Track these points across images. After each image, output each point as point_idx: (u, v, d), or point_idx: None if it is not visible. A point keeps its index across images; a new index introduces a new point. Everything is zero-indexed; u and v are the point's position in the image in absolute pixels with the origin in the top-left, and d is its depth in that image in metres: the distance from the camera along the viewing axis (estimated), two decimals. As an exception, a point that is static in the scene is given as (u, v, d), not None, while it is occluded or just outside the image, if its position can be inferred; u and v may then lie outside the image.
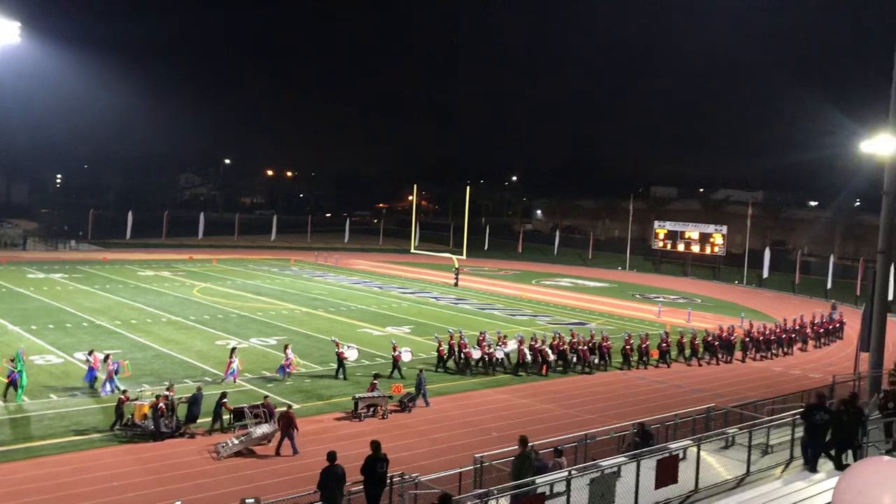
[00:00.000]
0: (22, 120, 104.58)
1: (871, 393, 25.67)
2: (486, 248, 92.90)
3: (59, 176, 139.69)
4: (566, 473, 13.66)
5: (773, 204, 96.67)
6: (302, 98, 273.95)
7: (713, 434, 18.69)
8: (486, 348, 32.89)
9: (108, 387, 26.45)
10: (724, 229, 76.80)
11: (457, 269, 63.10)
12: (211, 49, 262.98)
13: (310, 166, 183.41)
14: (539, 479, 13.86)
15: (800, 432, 17.82)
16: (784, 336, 40.64)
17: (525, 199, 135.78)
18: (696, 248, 78.34)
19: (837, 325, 46.15)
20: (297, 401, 26.11)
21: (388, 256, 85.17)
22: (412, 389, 27.05)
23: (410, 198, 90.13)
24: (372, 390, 25.90)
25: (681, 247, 79.59)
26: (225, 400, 23.37)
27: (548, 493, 13.67)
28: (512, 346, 33.73)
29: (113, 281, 55.09)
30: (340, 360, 30.30)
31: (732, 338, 38.37)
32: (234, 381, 28.33)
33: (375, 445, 14.59)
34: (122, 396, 22.93)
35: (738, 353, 38.47)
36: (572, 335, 35.27)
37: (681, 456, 15.77)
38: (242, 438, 21.51)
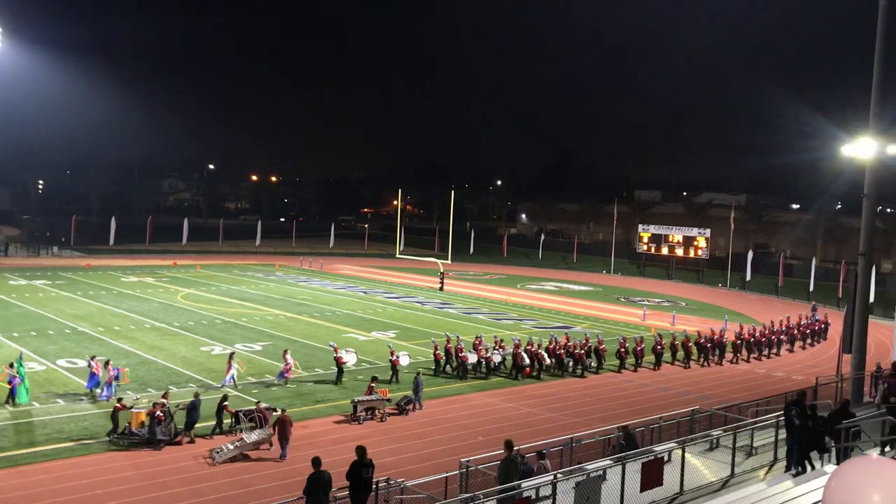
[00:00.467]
0: (3, 125, 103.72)
1: (854, 393, 25.88)
2: (471, 252, 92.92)
3: (41, 182, 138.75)
4: (552, 477, 13.68)
5: (756, 207, 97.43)
6: (286, 103, 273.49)
7: (698, 436, 18.80)
8: (483, 352, 32.99)
9: (105, 392, 26.45)
10: (708, 232, 77.19)
11: (442, 273, 63.10)
12: (195, 54, 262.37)
13: (294, 171, 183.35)
14: (525, 483, 13.88)
15: (783, 434, 17.97)
16: (773, 337, 41.11)
17: (509, 203, 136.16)
18: (679, 252, 78.68)
19: (822, 326, 46.58)
20: (291, 405, 26.04)
21: (373, 261, 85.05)
22: (409, 392, 27.22)
23: (395, 202, 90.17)
24: (370, 393, 26.05)
25: (665, 250, 79.92)
26: (226, 403, 23.51)
27: (534, 496, 13.70)
28: (508, 349, 33.85)
29: (96, 287, 54.72)
30: (339, 364, 30.31)
31: (724, 340, 38.76)
32: (236, 386, 28.23)
33: (361, 451, 14.56)
34: (118, 405, 22.76)
35: (728, 355, 38.80)
36: (566, 338, 35.45)
37: (666, 459, 15.83)
38: (237, 444, 21.51)
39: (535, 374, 32.93)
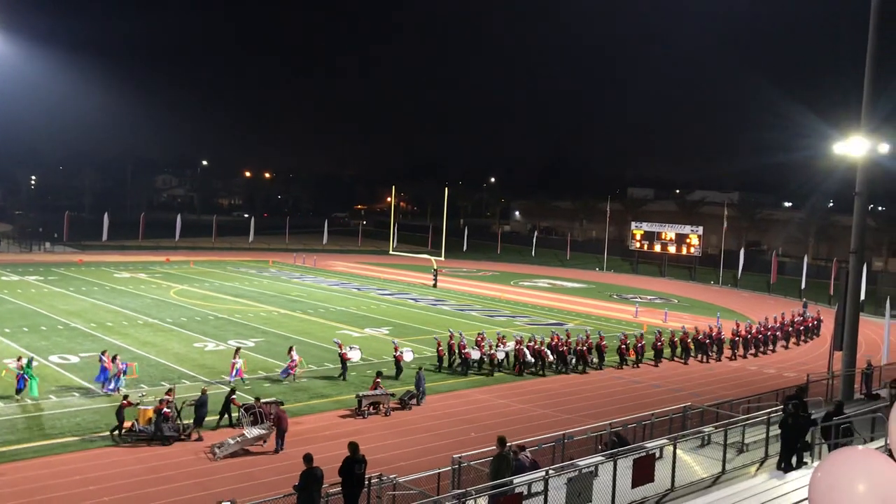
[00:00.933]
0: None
1: (845, 391, 26.03)
2: (464, 249, 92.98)
3: (33, 177, 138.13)
4: (543, 473, 13.75)
5: (749, 205, 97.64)
6: (280, 99, 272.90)
7: (689, 433, 18.88)
8: (488, 349, 33.20)
9: (111, 384, 26.68)
10: (700, 230, 77.41)
11: (435, 270, 63.14)
12: (189, 51, 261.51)
13: (288, 168, 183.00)
14: (517, 479, 13.94)
15: (774, 430, 18.08)
16: (770, 334, 41.64)
17: (503, 201, 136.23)
18: (672, 249, 78.87)
19: (814, 322, 46.89)
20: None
21: (366, 258, 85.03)
22: (412, 387, 27.50)
23: (389, 199, 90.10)
24: (375, 388, 26.23)
25: (657, 247, 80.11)
26: (234, 396, 23.74)
27: (525, 492, 13.76)
28: (511, 346, 34.06)
29: (89, 283, 54.60)
30: (343, 361, 30.43)
31: (722, 336, 39.17)
32: (244, 381, 28.30)
33: (353, 447, 14.61)
34: (124, 401, 22.74)
35: (726, 352, 39.24)
36: (567, 335, 35.72)
37: (657, 455, 15.93)
38: (238, 439, 21.63)
39: (538, 370, 33.16)
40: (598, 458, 15.69)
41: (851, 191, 26.08)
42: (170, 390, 23.65)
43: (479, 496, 13.30)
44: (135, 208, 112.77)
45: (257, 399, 23.81)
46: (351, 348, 31.70)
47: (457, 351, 32.99)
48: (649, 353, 36.92)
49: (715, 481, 15.91)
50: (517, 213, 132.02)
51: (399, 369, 30.76)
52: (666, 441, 17.09)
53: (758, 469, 16.73)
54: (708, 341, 38.37)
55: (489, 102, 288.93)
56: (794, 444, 15.94)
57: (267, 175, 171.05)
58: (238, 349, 30.31)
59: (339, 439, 21.90)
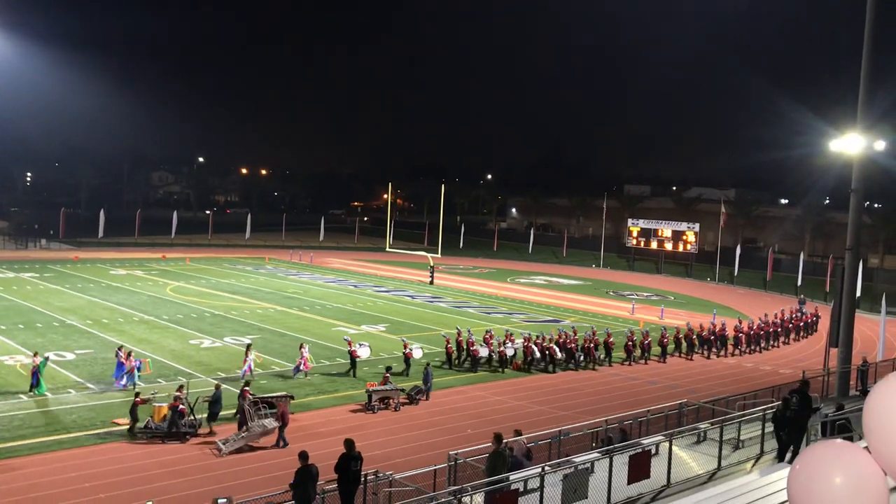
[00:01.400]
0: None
1: (841, 387, 26.09)
2: (461, 246, 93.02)
3: (29, 174, 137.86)
4: (539, 469, 13.76)
5: (745, 202, 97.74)
6: (277, 97, 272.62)
7: (685, 429, 18.91)
8: (496, 346, 33.43)
9: (124, 380, 26.91)
10: (697, 227, 77.48)
11: (432, 267, 63.13)
12: (186, 48, 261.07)
13: (284, 164, 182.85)
14: (513, 476, 13.94)
15: (770, 427, 18.11)
16: (771, 330, 42.13)
17: (500, 198, 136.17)
18: (669, 246, 78.94)
19: (812, 319, 47.10)
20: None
21: (363, 255, 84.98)
22: (420, 382, 27.88)
23: (385, 196, 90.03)
24: (384, 383, 26.51)
25: (654, 244, 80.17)
26: (247, 388, 23.87)
27: (521, 489, 13.77)
28: (519, 343, 34.29)
29: (85, 280, 54.52)
30: (353, 358, 30.60)
31: (727, 333, 39.57)
32: (251, 376, 28.28)
33: (349, 443, 14.60)
34: (137, 399, 22.74)
35: (730, 348, 39.75)
36: (574, 332, 36.01)
37: (653, 451, 15.93)
38: (244, 435, 21.71)
39: (547, 367, 33.42)
40: (594, 455, 15.70)
41: (847, 188, 26.13)
42: (181, 387, 23.70)
43: (476, 492, 13.30)
44: (131, 205, 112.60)
45: (253, 395, 23.83)
46: (360, 345, 31.94)
47: (465, 348, 33.17)
48: (655, 350, 37.20)
49: (711, 477, 15.93)
50: (514, 210, 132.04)
51: (408, 366, 31.08)
52: (662, 438, 17.10)
53: (753, 465, 16.76)
54: (712, 338, 38.76)
55: (486, 100, 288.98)
56: (796, 438, 15.98)
57: (263, 172, 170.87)
58: (249, 345, 30.46)
59: (348, 434, 21.99)
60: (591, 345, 34.76)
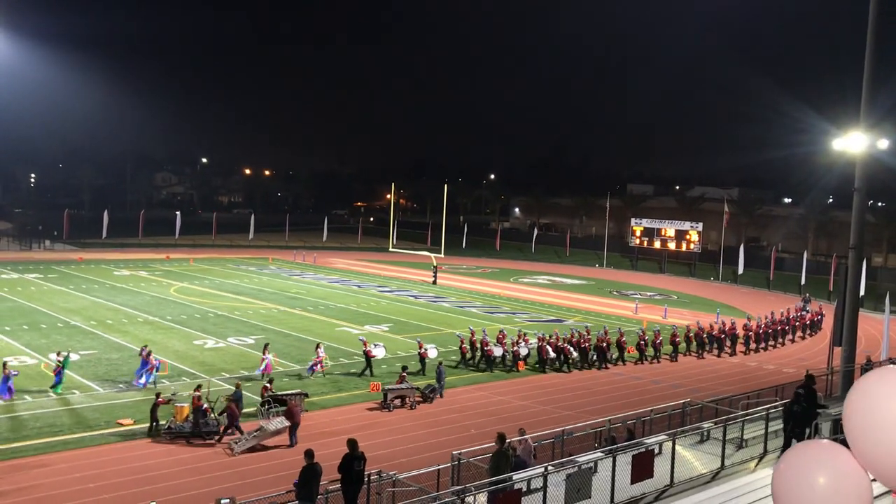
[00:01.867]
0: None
1: (844, 386, 26.04)
2: (464, 246, 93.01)
3: (33, 175, 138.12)
4: (542, 469, 13.77)
5: (748, 201, 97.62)
6: (280, 97, 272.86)
7: (688, 429, 18.90)
8: (510, 345, 33.68)
9: (143, 379, 27.21)
10: (700, 226, 77.39)
11: (435, 267, 63.14)
12: (189, 48, 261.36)
13: (287, 165, 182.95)
14: (516, 476, 13.95)
15: (773, 426, 18.12)
16: (780, 328, 42.34)
17: (503, 198, 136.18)
18: (672, 246, 78.86)
19: (817, 318, 47.14)
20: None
21: (366, 255, 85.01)
22: (433, 381, 28.27)
23: (388, 196, 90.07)
24: (401, 382, 26.86)
25: (657, 244, 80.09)
26: (267, 385, 24.31)
27: (525, 488, 13.77)
28: (533, 343, 34.47)
29: (88, 281, 54.60)
30: (368, 358, 30.77)
31: (737, 331, 39.83)
32: (264, 377, 28.35)
33: (352, 443, 14.61)
34: (159, 399, 22.80)
35: (739, 346, 40.02)
36: (587, 331, 36.21)
37: (656, 451, 15.93)
38: (255, 434, 21.82)
39: (561, 366, 33.59)
40: (597, 455, 15.71)
41: (851, 187, 26.07)
42: (198, 386, 23.85)
43: (479, 492, 13.31)
44: (134, 206, 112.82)
45: (270, 392, 24.26)
46: (375, 345, 32.27)
47: (480, 347, 33.29)
48: (666, 349, 37.49)
49: (714, 477, 15.93)
50: (517, 209, 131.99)
51: (423, 365, 31.36)
52: (665, 437, 17.10)
53: (757, 464, 16.75)
54: (722, 336, 38.98)
55: (489, 99, 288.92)
56: (799, 434, 16.00)
57: (267, 172, 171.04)
58: (267, 344, 30.60)
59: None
60: (604, 344, 35.01)
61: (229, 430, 22.11)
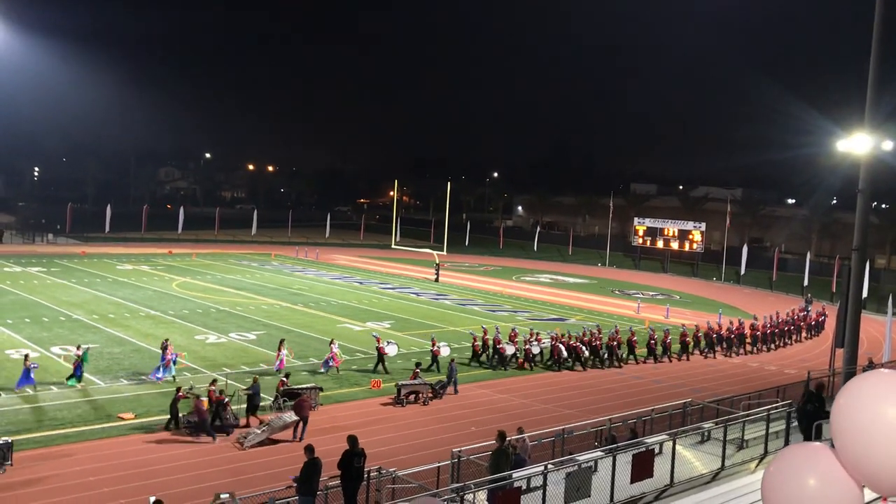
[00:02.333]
0: (0, 111, 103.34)
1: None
2: (466, 243, 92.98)
3: (36, 169, 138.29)
4: (542, 468, 13.76)
5: (752, 201, 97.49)
6: (284, 93, 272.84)
7: (689, 429, 18.88)
8: (522, 344, 33.84)
9: (160, 373, 27.37)
10: (703, 226, 77.31)
11: (437, 264, 63.12)
12: (193, 43, 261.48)
13: (291, 161, 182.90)
14: (516, 474, 13.95)
15: (774, 427, 18.10)
16: (786, 329, 42.64)
17: (506, 196, 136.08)
18: (675, 245, 78.81)
19: (820, 318, 47.19)
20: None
21: (368, 252, 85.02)
22: (444, 377, 28.54)
23: (391, 193, 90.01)
24: (414, 378, 27.14)
25: (660, 243, 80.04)
26: (284, 378, 24.59)
27: (524, 487, 13.76)
28: (546, 342, 34.65)
29: (91, 275, 54.65)
30: (381, 355, 30.93)
31: (745, 331, 40.11)
32: (278, 371, 28.47)
33: (352, 440, 14.62)
34: (180, 394, 22.84)
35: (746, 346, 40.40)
36: (599, 331, 36.40)
37: (657, 450, 15.92)
38: (265, 428, 21.93)
39: (573, 365, 33.79)
40: (597, 453, 15.69)
41: (855, 188, 26.01)
42: (214, 381, 23.97)
43: (479, 490, 13.30)
44: (138, 200, 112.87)
45: (285, 386, 24.63)
46: (388, 343, 32.45)
47: (492, 346, 33.40)
48: (675, 348, 37.65)
49: (714, 477, 15.91)
50: (519, 208, 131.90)
51: (435, 362, 31.56)
52: (666, 437, 17.08)
53: (757, 465, 16.73)
54: (732, 336, 39.20)
55: (493, 97, 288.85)
56: (804, 432, 16.09)
57: (270, 168, 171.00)
58: (282, 340, 30.73)
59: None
60: (615, 343, 35.19)
61: (203, 430, 21.96)
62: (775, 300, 60.75)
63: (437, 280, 61.60)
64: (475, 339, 34.01)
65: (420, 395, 26.80)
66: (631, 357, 35.81)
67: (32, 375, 25.68)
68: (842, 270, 27.80)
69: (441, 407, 26.64)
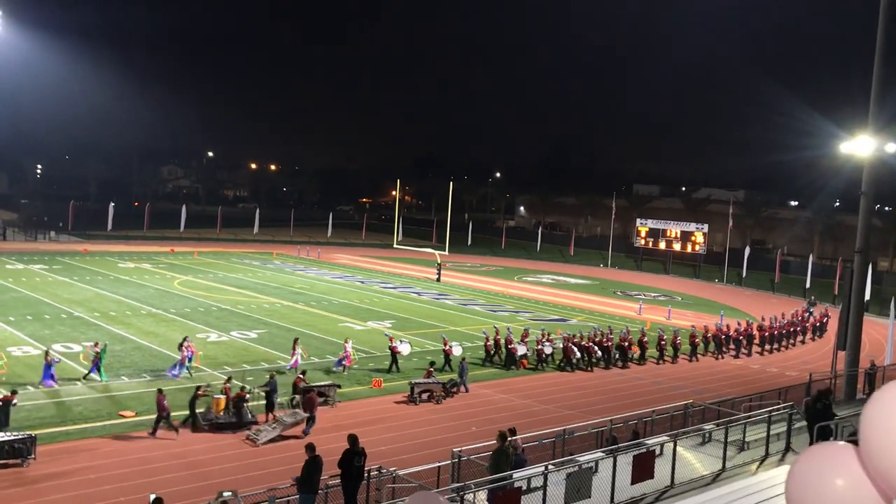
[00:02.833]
0: (2, 109, 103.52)
1: (848, 390, 25.97)
2: (468, 243, 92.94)
3: (39, 166, 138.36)
4: (543, 468, 13.74)
5: (754, 203, 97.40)
6: (287, 92, 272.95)
7: (690, 430, 18.86)
8: (536, 343, 34.02)
9: (176, 370, 27.59)
10: (706, 228, 77.23)
11: (439, 264, 63.10)
12: (196, 41, 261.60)
13: (293, 160, 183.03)
14: (516, 474, 13.93)
15: (775, 429, 18.08)
16: (792, 329, 42.96)
17: (508, 196, 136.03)
18: (677, 247, 78.74)
19: (823, 320, 47.23)
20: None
21: (370, 251, 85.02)
22: (455, 376, 28.88)
23: (394, 193, 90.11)
24: (428, 377, 27.46)
25: (662, 245, 79.98)
26: (301, 376, 24.86)
27: (525, 487, 13.75)
28: (557, 342, 34.80)
29: (93, 273, 54.68)
30: (394, 353, 31.10)
31: (753, 332, 40.31)
32: (295, 370, 28.44)
33: (352, 439, 14.61)
34: (199, 391, 22.84)
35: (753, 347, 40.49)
36: (610, 331, 36.50)
37: (657, 452, 15.90)
38: (275, 425, 22.07)
39: (586, 366, 33.92)
40: (598, 454, 15.67)
41: (857, 190, 26.00)
42: (229, 378, 24.02)
43: (479, 490, 13.28)
44: (140, 198, 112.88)
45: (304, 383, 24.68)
46: (401, 342, 32.63)
47: (503, 346, 33.45)
48: (684, 348, 37.89)
49: (715, 478, 15.88)
50: (522, 208, 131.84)
51: (447, 361, 31.66)
52: (667, 438, 17.06)
53: (758, 467, 16.71)
54: (740, 337, 39.40)
55: (496, 97, 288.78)
56: (810, 430, 16.14)
57: (272, 167, 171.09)
58: (297, 339, 30.83)
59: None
60: (626, 343, 35.30)
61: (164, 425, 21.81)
62: (777, 302, 60.68)
63: (438, 280, 61.58)
64: (487, 339, 34.16)
65: (433, 393, 27.02)
66: (643, 358, 35.93)
67: (53, 370, 25.86)
68: (844, 273, 27.75)
69: (452, 405, 26.85)
